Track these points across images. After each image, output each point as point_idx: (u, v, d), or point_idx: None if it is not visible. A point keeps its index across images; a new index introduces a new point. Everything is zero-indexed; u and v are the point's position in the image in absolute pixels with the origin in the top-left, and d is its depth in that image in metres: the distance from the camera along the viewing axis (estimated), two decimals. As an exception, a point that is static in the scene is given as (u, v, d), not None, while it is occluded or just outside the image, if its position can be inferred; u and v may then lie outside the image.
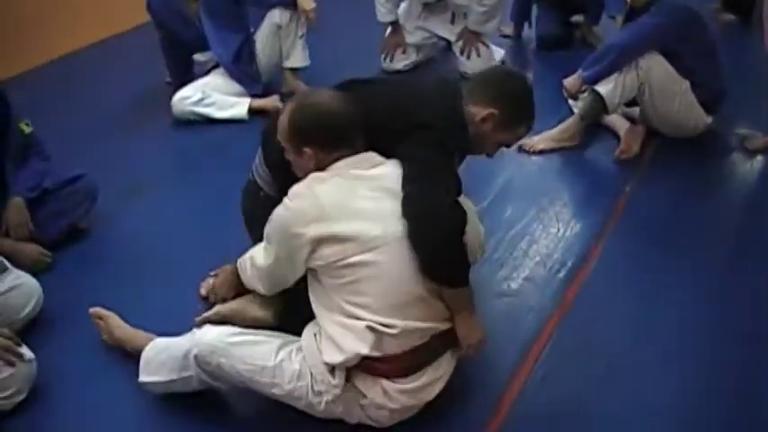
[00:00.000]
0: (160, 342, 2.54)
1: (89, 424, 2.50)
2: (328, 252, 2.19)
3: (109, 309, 2.84)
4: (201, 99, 4.45)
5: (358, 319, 2.19)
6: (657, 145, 4.04)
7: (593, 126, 4.10)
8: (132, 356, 2.64)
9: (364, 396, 2.28)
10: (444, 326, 2.32)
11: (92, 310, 2.81)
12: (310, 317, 2.35)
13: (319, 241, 2.18)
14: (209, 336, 2.37)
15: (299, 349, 2.32)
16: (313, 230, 2.18)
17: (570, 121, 4.06)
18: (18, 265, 3.01)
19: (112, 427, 2.50)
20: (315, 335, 2.30)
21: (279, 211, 2.28)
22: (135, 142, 4.35)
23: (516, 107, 2.50)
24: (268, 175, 2.66)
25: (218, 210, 3.13)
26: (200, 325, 2.48)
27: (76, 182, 3.40)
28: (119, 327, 2.76)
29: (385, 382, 2.26)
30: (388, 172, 2.32)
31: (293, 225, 2.21)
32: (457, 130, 2.43)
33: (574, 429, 2.42)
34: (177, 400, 2.53)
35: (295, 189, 2.27)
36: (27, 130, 3.34)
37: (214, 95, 4.47)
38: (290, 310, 2.54)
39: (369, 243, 2.18)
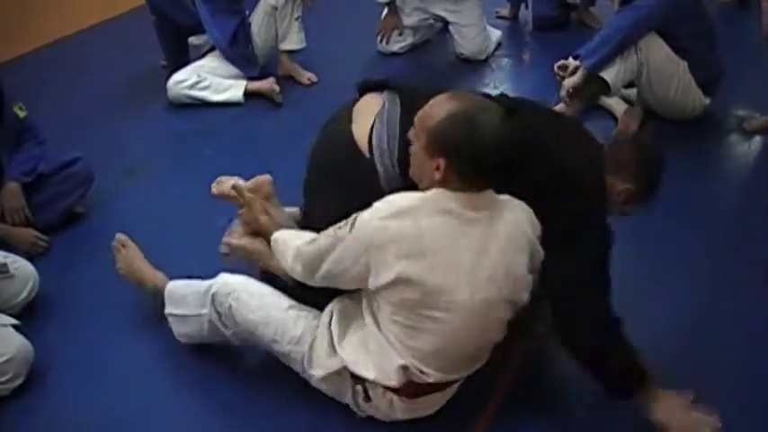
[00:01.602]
0: (183, 281, 2.63)
1: (87, 408, 2.50)
2: (405, 295, 2.02)
3: (106, 292, 2.88)
4: (197, 82, 4.42)
5: (399, 354, 2.12)
6: (655, 126, 4.02)
7: (591, 107, 4.08)
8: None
9: (367, 398, 2.26)
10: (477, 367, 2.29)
11: (118, 235, 2.87)
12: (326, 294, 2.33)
13: (402, 280, 2.00)
14: (232, 278, 2.45)
15: (306, 317, 2.34)
16: (402, 266, 1.98)
17: (562, 102, 4.02)
18: (14, 250, 3.02)
19: (110, 411, 2.49)
20: (332, 314, 2.29)
21: (372, 222, 2.01)
22: (130, 126, 4.33)
23: (651, 188, 2.43)
24: (393, 167, 2.32)
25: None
26: (225, 249, 2.61)
27: (72, 165, 3.38)
28: (139, 258, 2.81)
29: (395, 397, 2.24)
30: (507, 222, 2.09)
31: (384, 249, 1.99)
32: (601, 198, 2.34)
33: (573, 405, 2.43)
34: (182, 386, 2.57)
35: (400, 205, 2.01)
36: (21, 114, 3.32)
37: (209, 78, 4.45)
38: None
39: (449, 304, 2.02)
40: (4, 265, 2.76)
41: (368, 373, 2.17)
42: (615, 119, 4.04)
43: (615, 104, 4.09)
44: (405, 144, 2.17)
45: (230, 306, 2.39)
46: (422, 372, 2.12)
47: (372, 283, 2.06)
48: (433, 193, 2.03)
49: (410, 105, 2.26)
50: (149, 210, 3.54)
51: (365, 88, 2.55)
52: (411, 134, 2.08)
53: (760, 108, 4.07)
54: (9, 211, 3.20)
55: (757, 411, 2.40)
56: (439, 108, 1.99)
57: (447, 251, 2.00)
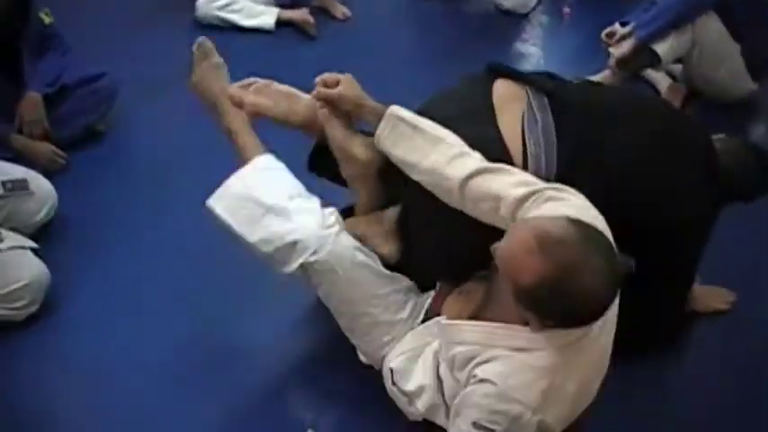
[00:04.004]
0: (269, 184, 2.14)
1: (98, 348, 2.42)
2: None
3: (126, 216, 2.83)
4: (228, 4, 4.25)
5: None
6: (698, 105, 3.89)
7: (632, 79, 3.95)
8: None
9: None
10: None
11: (200, 39, 2.40)
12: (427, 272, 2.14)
13: None
14: (340, 251, 2.03)
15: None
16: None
17: (609, 71, 3.89)
18: (30, 164, 2.91)
19: (126, 338, 2.43)
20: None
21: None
22: (154, 42, 4.13)
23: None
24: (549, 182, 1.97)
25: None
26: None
27: (97, 81, 3.26)
28: (220, 78, 2.37)
29: None
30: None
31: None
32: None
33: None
34: (201, 321, 2.50)
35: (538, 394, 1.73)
36: (47, 20, 3.20)
37: (242, 2, 4.27)
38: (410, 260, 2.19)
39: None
40: (24, 180, 2.66)
41: None
42: (657, 92, 3.91)
43: (660, 78, 3.97)
44: (564, 164, 2.07)
45: (322, 285, 2.08)
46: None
47: None
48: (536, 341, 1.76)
49: (562, 113, 2.14)
50: (170, 130, 3.43)
51: (495, 71, 2.26)
52: (512, 295, 1.72)
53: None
54: (28, 124, 3.07)
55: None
56: (528, 266, 1.64)
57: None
